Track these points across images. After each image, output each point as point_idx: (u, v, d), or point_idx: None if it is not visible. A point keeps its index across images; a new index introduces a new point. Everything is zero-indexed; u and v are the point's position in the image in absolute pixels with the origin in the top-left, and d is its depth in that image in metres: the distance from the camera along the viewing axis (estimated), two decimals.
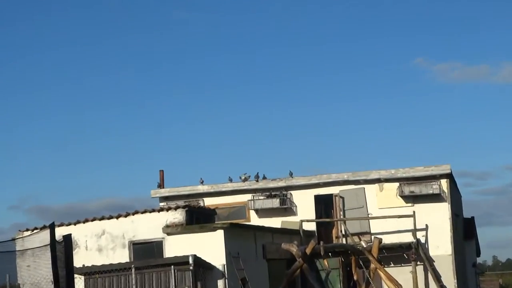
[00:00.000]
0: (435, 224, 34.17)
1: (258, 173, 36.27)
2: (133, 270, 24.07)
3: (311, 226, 34.98)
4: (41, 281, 17.71)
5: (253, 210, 35.77)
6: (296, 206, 35.73)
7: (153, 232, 26.54)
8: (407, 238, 33.84)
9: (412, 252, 32.85)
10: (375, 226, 34.57)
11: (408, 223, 33.84)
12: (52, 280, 16.76)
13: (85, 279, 24.97)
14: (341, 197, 35.29)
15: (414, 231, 33.66)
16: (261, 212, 35.78)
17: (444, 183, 34.28)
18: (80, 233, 27.08)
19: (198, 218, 27.79)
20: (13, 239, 20.11)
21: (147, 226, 26.78)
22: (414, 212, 33.87)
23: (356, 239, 34.04)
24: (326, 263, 30.85)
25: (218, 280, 25.40)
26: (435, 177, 34.25)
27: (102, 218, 27.38)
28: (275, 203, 35.31)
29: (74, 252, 19.32)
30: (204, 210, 31.02)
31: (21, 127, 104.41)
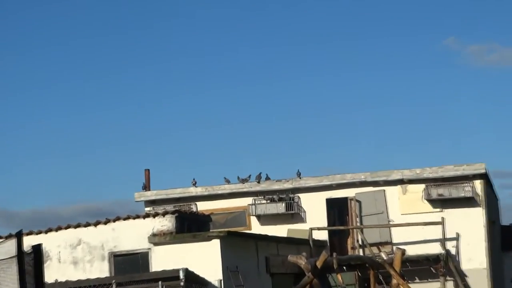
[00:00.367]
0: (468, 232, 33.46)
1: (260, 173, 35.63)
2: (114, 286, 23.71)
3: (323, 235, 34.45)
4: None
5: (254, 216, 35.17)
6: (304, 212, 35.06)
7: (138, 242, 25.89)
8: (435, 249, 33.26)
9: (441, 266, 32.36)
10: (397, 235, 33.88)
11: (436, 232, 33.30)
12: None
13: None
14: (357, 201, 34.71)
15: (443, 240, 33.17)
16: (264, 219, 35.13)
17: (478, 184, 33.60)
18: (52, 243, 26.51)
19: (190, 226, 27.33)
20: None
21: (131, 235, 26.08)
22: (443, 218, 33.31)
23: (375, 250, 33.35)
24: (340, 278, 29.20)
25: None
26: (468, 178, 33.58)
27: (77, 226, 26.82)
28: (280, 208, 34.70)
29: (45, 265, 19.55)
30: (197, 216, 30.46)
31: None
